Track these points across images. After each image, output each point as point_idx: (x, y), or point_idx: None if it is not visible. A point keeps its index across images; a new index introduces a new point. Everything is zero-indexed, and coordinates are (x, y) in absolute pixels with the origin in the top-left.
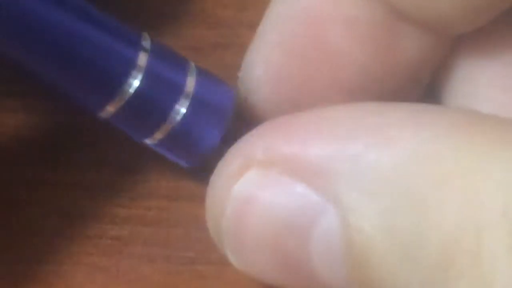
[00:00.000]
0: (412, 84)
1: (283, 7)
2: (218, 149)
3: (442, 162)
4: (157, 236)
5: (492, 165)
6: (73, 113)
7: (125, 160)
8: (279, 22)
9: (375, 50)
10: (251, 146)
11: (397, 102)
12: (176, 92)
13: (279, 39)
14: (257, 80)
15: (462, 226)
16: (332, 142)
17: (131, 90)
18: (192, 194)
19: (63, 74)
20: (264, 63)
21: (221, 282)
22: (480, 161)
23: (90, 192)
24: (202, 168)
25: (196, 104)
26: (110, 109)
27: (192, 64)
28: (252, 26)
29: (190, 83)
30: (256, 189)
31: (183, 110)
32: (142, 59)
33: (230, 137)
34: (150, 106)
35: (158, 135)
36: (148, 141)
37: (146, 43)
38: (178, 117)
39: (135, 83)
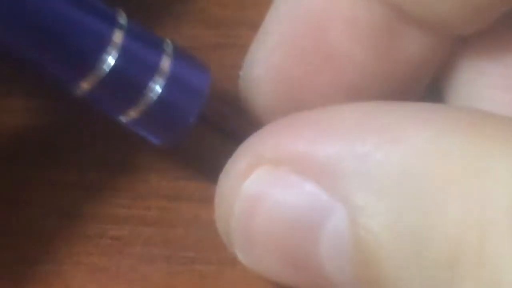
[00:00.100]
0: (413, 85)
1: (285, 7)
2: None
3: (447, 161)
4: (157, 236)
5: (497, 163)
6: (73, 113)
7: (125, 160)
8: (281, 22)
9: (376, 51)
10: (261, 144)
11: (402, 101)
12: (151, 70)
13: (281, 39)
14: (258, 79)
15: (466, 225)
16: (340, 141)
17: (106, 67)
18: (192, 194)
19: (37, 49)
20: (265, 63)
21: (221, 282)
22: (485, 159)
23: (90, 192)
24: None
25: (172, 83)
26: (85, 86)
27: (170, 44)
28: (252, 26)
29: (166, 62)
30: (265, 187)
31: (158, 89)
32: (118, 36)
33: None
34: (125, 84)
35: (133, 113)
36: (122, 119)
37: (123, 20)
38: (153, 96)
39: (110, 60)
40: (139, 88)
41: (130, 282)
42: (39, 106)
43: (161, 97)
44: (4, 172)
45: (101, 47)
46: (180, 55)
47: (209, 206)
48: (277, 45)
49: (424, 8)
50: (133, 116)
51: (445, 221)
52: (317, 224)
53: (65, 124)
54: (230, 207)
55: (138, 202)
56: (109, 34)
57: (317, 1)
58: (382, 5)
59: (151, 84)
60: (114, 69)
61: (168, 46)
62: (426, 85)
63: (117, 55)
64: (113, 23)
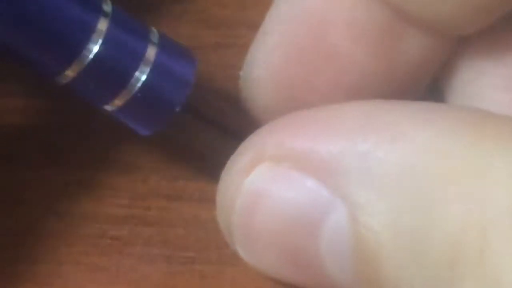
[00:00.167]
0: (413, 85)
1: (285, 7)
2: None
3: (449, 160)
4: (157, 236)
5: (497, 163)
6: (73, 114)
7: (125, 160)
8: (281, 22)
9: (376, 51)
10: (262, 141)
11: (403, 100)
12: (136, 59)
13: (281, 39)
14: (258, 80)
15: (467, 225)
16: (342, 138)
17: (90, 55)
18: (192, 194)
19: (21, 36)
20: (265, 63)
21: (221, 282)
22: (486, 159)
23: (90, 192)
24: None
25: (157, 72)
26: (69, 73)
27: (155, 32)
28: (252, 26)
29: (151, 50)
30: (266, 184)
31: (143, 78)
32: (103, 24)
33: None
34: (110, 72)
35: (118, 102)
36: (107, 108)
37: (108, 8)
38: (138, 84)
39: (95, 48)
40: (124, 77)
41: (130, 282)
42: (39, 106)
43: (146, 85)
44: (4, 172)
45: (86, 34)
46: (166, 43)
47: (209, 206)
48: (277, 45)
49: (425, 8)
50: (118, 104)
51: (445, 220)
52: (317, 221)
53: (65, 124)
54: (231, 204)
55: (138, 202)
56: (94, 22)
57: (317, 2)
58: (383, 5)
59: (136, 73)
60: (98, 57)
61: (154, 34)
62: (427, 85)
63: (101, 43)
64: (98, 11)
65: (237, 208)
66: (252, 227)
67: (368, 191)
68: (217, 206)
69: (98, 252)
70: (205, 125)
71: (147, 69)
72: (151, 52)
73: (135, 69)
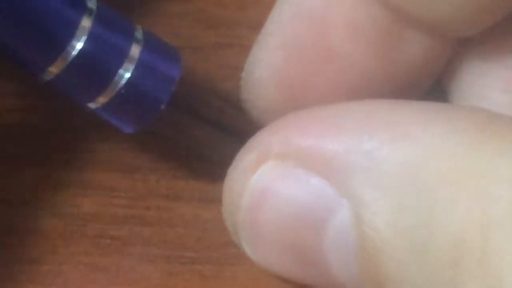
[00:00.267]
0: (414, 86)
1: (286, 8)
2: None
3: (452, 160)
4: (157, 236)
5: (501, 163)
6: (73, 114)
7: (125, 160)
8: (283, 23)
9: (377, 52)
10: (268, 139)
11: (409, 100)
12: (120, 56)
13: (282, 40)
14: (260, 80)
15: (469, 224)
16: (347, 136)
17: (74, 52)
18: (192, 194)
19: (4, 32)
20: (267, 64)
21: (221, 282)
22: (490, 159)
23: (90, 192)
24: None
25: (141, 69)
26: (53, 70)
27: (140, 29)
28: (252, 26)
29: (136, 48)
30: (272, 181)
31: (127, 75)
32: (87, 21)
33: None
34: (94, 69)
35: (102, 99)
36: (91, 105)
37: (92, 5)
38: (122, 82)
39: (79, 44)
40: (108, 74)
41: (130, 282)
42: (39, 106)
43: (130, 83)
44: (4, 172)
45: (70, 31)
46: (150, 41)
47: (209, 206)
48: (278, 46)
49: (425, 10)
50: (102, 102)
51: (449, 220)
52: (322, 219)
53: (65, 124)
54: (237, 201)
55: (138, 202)
56: (77, 19)
57: (318, 3)
58: (384, 7)
59: (121, 70)
60: (82, 54)
61: (139, 32)
62: (428, 85)
63: (85, 40)
64: (82, 8)
65: (242, 205)
66: (257, 225)
67: (373, 190)
68: (223, 203)
69: (98, 252)
70: (205, 125)
71: (132, 67)
72: (135, 50)
73: (119, 67)
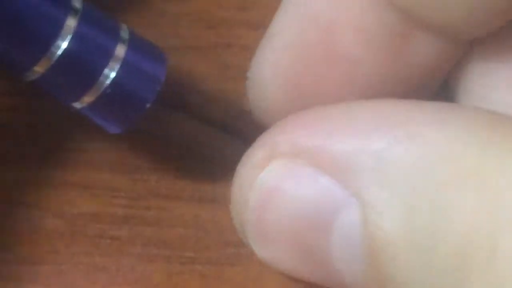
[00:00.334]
0: (422, 88)
1: (294, 9)
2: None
3: (462, 161)
4: (157, 236)
5: (511, 165)
6: (73, 114)
7: (125, 160)
8: (290, 24)
9: (385, 55)
10: (277, 138)
11: (419, 100)
12: (105, 56)
13: (289, 41)
14: (266, 81)
15: (477, 226)
16: (356, 136)
17: (59, 51)
18: (192, 194)
19: None
20: (273, 65)
21: (221, 282)
22: (500, 161)
23: (90, 192)
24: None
25: (126, 69)
26: (38, 69)
27: (126, 29)
28: (252, 26)
29: (121, 48)
30: (280, 180)
31: (113, 75)
32: (72, 20)
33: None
34: (79, 69)
35: (87, 99)
36: (77, 105)
37: (78, 4)
38: (108, 82)
39: (63, 44)
40: (93, 74)
41: (130, 282)
42: (39, 106)
43: (115, 83)
44: (4, 172)
45: (54, 30)
46: (136, 41)
47: (209, 206)
48: (285, 47)
49: (434, 13)
50: (87, 102)
51: (457, 222)
52: (329, 218)
53: (65, 124)
54: (245, 199)
55: (138, 202)
56: (62, 18)
57: (326, 4)
58: (392, 9)
59: (106, 70)
60: (67, 53)
61: (125, 32)
62: (436, 88)
63: (70, 39)
64: (67, 7)
65: (250, 203)
66: (265, 223)
67: (381, 190)
68: (231, 201)
69: (98, 252)
70: (205, 125)
71: (117, 66)
72: (120, 49)
73: (105, 66)
